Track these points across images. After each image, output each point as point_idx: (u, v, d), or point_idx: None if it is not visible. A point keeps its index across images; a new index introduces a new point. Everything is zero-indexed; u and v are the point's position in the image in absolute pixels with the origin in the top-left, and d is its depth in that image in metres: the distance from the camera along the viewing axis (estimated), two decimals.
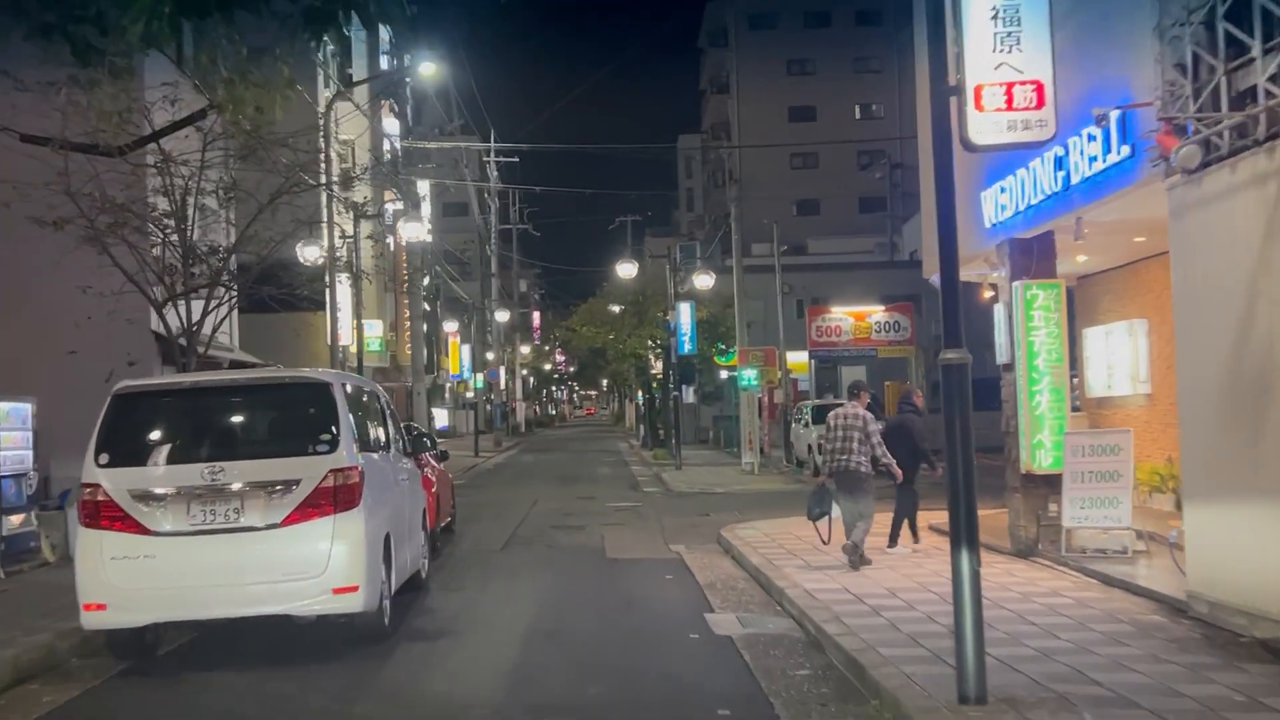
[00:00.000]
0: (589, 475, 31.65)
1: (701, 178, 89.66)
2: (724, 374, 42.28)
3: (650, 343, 39.15)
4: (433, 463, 16.73)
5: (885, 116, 72.41)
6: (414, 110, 51.60)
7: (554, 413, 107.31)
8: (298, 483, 8.77)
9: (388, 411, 11.20)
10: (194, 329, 14.79)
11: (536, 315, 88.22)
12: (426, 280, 52.27)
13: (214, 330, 15.58)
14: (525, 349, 72.65)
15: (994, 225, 13.59)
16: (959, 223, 7.11)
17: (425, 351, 43.58)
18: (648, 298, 39.76)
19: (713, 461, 35.07)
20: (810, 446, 27.12)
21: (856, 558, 12.12)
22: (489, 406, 55.92)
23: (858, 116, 73.78)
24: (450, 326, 50.68)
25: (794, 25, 74.64)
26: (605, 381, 77.91)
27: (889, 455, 12.68)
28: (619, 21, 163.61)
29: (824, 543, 13.01)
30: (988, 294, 17.16)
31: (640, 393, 50.56)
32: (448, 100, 45.55)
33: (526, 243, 67.01)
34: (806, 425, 28.02)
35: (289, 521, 8.72)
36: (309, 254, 23.98)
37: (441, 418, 58.79)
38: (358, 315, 24.14)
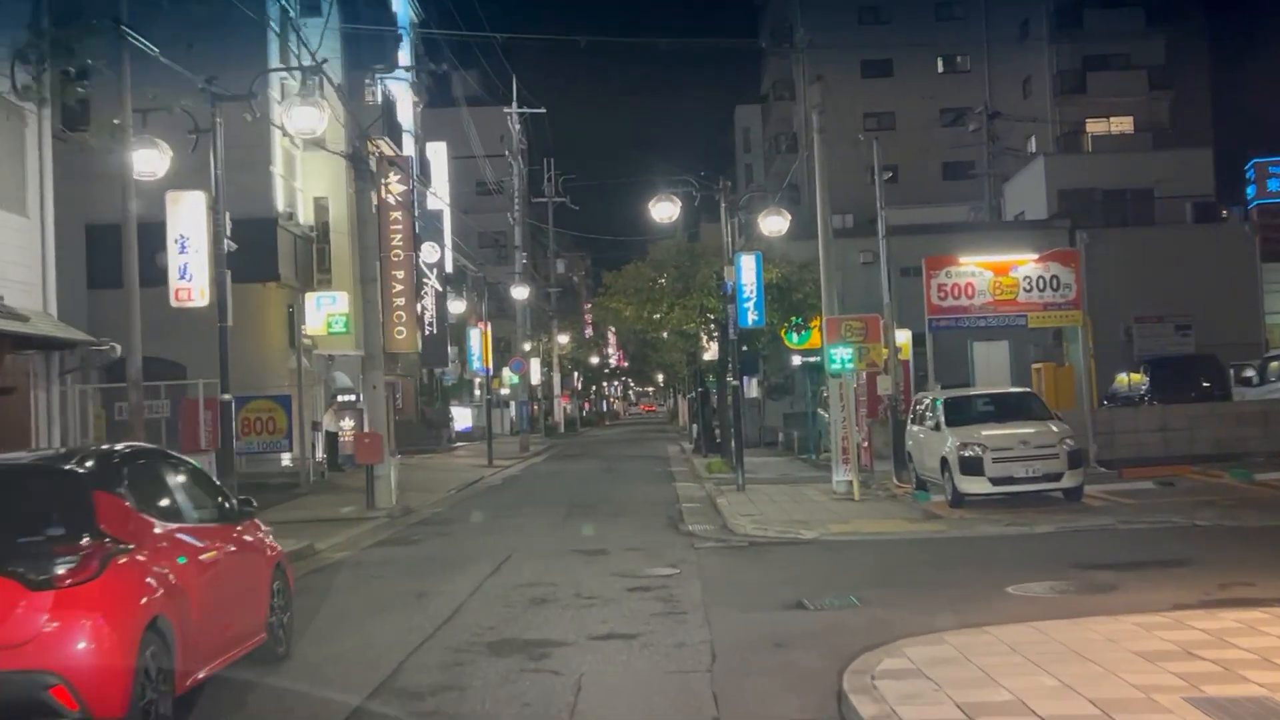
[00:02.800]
0: (614, 499, 22.26)
1: (762, 146, 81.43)
2: (795, 360, 32.65)
3: (701, 317, 29.53)
4: (183, 539, 7.55)
5: (971, 69, 64.20)
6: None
7: (606, 410, 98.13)
8: None
9: None
10: None
11: (588, 306, 79.34)
12: (438, 255, 43.47)
13: None
14: (564, 338, 63.22)
15: None
16: None
17: (418, 335, 34.64)
18: (696, 256, 30.14)
19: (786, 475, 25.29)
20: (945, 459, 17.42)
21: None
22: (536, 405, 47.07)
23: (940, 70, 65.75)
24: (457, 307, 41.40)
25: None
26: (661, 376, 68.65)
27: None
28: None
29: None
30: None
31: (692, 385, 40.97)
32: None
33: (567, 220, 58.45)
34: (937, 427, 18.28)
35: None
36: (149, 162, 14.95)
37: (464, 418, 50.48)
38: (218, 260, 14.89)
